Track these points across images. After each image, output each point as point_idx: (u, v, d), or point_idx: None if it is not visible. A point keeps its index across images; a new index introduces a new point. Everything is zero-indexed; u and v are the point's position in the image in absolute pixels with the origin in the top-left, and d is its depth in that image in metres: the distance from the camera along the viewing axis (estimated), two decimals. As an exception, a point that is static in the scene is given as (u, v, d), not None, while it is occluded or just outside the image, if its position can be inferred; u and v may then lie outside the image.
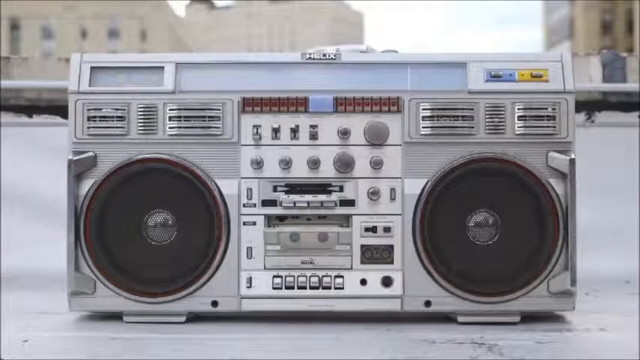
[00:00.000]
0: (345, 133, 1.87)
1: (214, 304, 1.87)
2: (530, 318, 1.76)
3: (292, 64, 1.93)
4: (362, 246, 1.87)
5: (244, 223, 1.88)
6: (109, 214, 1.87)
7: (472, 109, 1.88)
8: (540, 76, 1.89)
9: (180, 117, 1.88)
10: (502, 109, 1.88)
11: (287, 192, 1.88)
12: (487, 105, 1.88)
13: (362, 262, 1.88)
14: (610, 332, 1.80)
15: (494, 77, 1.89)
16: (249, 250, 1.87)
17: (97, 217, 1.86)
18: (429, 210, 1.86)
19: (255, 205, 1.88)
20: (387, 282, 1.87)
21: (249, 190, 1.88)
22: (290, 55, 1.94)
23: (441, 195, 1.86)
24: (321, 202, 1.86)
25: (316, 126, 1.88)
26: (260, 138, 1.88)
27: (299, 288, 1.87)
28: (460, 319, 1.88)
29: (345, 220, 1.87)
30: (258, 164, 1.88)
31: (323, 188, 1.88)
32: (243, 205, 1.88)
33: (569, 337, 1.75)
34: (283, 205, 1.87)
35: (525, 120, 1.87)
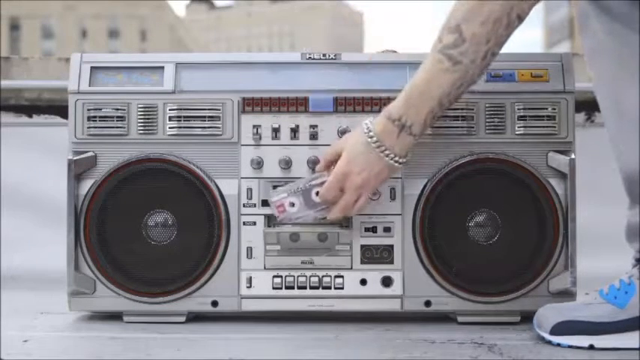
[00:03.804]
0: (345, 133, 1.87)
1: (214, 304, 1.87)
2: (530, 318, 1.76)
3: (292, 64, 1.93)
4: (362, 246, 1.88)
5: (244, 223, 1.88)
6: (109, 214, 1.87)
7: (472, 109, 1.88)
8: (540, 76, 1.89)
9: (180, 117, 1.89)
10: (502, 109, 1.88)
11: (287, 192, 1.87)
12: (487, 105, 1.88)
13: (362, 262, 1.88)
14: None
15: (495, 77, 1.89)
16: (249, 250, 1.87)
17: (97, 217, 1.86)
18: (429, 210, 1.86)
19: (255, 205, 1.88)
20: (387, 282, 1.87)
21: (249, 190, 1.88)
22: (290, 55, 1.94)
23: (441, 195, 1.86)
24: (321, 202, 1.85)
25: (316, 126, 1.88)
26: (260, 138, 1.88)
27: (299, 288, 1.87)
28: (460, 319, 1.88)
29: (345, 220, 1.87)
30: (258, 164, 1.88)
31: (323, 188, 1.87)
32: (243, 205, 1.88)
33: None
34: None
35: (525, 120, 1.88)
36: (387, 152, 1.70)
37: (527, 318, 1.81)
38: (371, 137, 1.71)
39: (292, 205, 1.80)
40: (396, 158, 1.71)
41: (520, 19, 1.64)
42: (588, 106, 2.58)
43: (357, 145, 1.73)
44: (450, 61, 1.64)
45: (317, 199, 1.78)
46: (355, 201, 1.75)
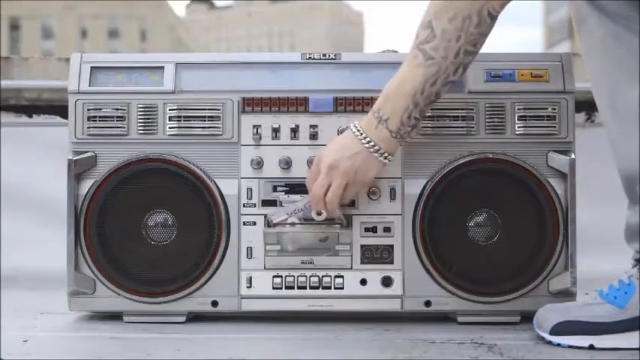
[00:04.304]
0: (345, 133, 1.87)
1: (214, 304, 1.87)
2: (530, 318, 1.76)
3: (292, 64, 1.93)
4: (362, 246, 1.87)
5: (244, 223, 1.88)
6: (109, 214, 1.87)
7: (472, 109, 1.88)
8: (540, 76, 1.89)
9: (180, 117, 1.89)
10: (502, 109, 1.88)
11: (287, 192, 1.88)
12: (487, 105, 1.88)
13: (362, 262, 1.88)
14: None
15: (494, 77, 1.89)
16: (249, 250, 1.87)
17: (97, 217, 1.86)
18: (429, 210, 1.86)
19: (255, 205, 1.88)
20: (387, 282, 1.87)
21: (249, 190, 1.88)
22: (290, 55, 1.94)
23: (441, 195, 1.86)
24: (321, 202, 1.85)
25: (316, 126, 1.89)
26: (260, 138, 1.88)
27: (299, 288, 1.87)
28: (460, 319, 1.88)
29: (345, 220, 1.87)
30: (258, 164, 1.88)
31: (323, 188, 1.87)
32: (243, 205, 1.88)
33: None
34: (283, 205, 1.87)
35: (525, 120, 1.88)
36: (366, 138, 1.72)
37: (527, 318, 1.81)
38: (355, 128, 1.74)
39: (293, 225, 1.84)
40: (376, 147, 1.72)
41: (492, 17, 1.65)
42: (588, 106, 2.58)
43: (341, 135, 1.80)
44: (423, 56, 1.67)
45: (317, 217, 1.80)
46: (328, 189, 1.75)
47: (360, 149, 1.73)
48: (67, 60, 2.20)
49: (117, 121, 1.89)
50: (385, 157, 1.74)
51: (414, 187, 1.87)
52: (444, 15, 1.64)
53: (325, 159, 1.75)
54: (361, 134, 1.72)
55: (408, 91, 1.68)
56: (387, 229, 1.87)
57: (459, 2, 1.63)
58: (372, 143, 1.72)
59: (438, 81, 1.67)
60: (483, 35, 1.66)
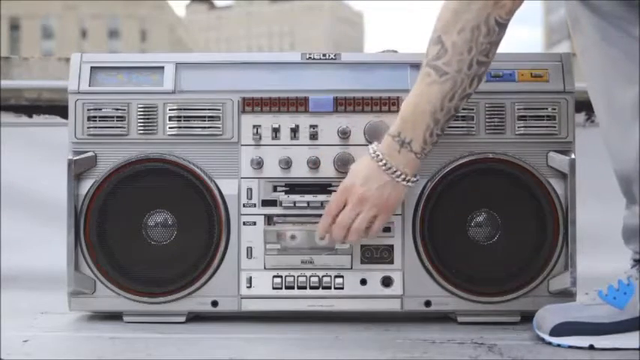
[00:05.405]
0: (345, 133, 1.87)
1: (214, 304, 1.88)
2: (530, 318, 1.76)
3: (292, 64, 1.93)
4: (362, 246, 1.87)
5: (244, 223, 1.88)
6: (109, 214, 1.87)
7: (472, 109, 1.88)
8: (540, 76, 1.89)
9: (180, 117, 1.89)
10: (502, 109, 1.88)
11: (287, 192, 1.88)
12: (487, 105, 1.88)
13: (362, 262, 1.88)
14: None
15: (494, 77, 1.89)
16: (249, 250, 1.87)
17: (97, 217, 1.86)
18: (429, 210, 1.86)
19: (255, 205, 1.88)
20: (387, 282, 1.87)
21: (249, 190, 1.88)
22: (290, 55, 1.94)
23: (441, 195, 1.86)
24: (321, 202, 1.86)
25: (316, 126, 1.89)
26: (260, 138, 1.88)
27: (299, 288, 1.87)
28: (460, 319, 1.88)
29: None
30: (258, 164, 1.88)
31: (323, 188, 1.88)
32: (243, 205, 1.88)
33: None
34: (283, 205, 1.87)
35: (525, 120, 1.88)
36: (391, 168, 1.68)
37: (527, 318, 1.81)
38: (376, 155, 1.69)
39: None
40: (402, 175, 1.68)
41: (500, 25, 1.63)
42: (588, 106, 2.54)
43: (363, 161, 1.73)
44: (436, 73, 1.64)
45: (319, 242, 1.81)
46: (354, 219, 1.72)
47: (387, 179, 1.68)
48: (67, 60, 2.20)
49: (117, 121, 1.89)
50: (411, 182, 1.71)
51: (414, 187, 1.86)
52: (453, 29, 1.62)
53: (355, 192, 1.70)
54: (385, 164, 1.68)
55: (427, 110, 1.65)
56: (387, 229, 1.87)
57: (465, 14, 1.62)
58: (399, 172, 1.68)
59: (455, 96, 1.65)
60: (494, 44, 1.65)
